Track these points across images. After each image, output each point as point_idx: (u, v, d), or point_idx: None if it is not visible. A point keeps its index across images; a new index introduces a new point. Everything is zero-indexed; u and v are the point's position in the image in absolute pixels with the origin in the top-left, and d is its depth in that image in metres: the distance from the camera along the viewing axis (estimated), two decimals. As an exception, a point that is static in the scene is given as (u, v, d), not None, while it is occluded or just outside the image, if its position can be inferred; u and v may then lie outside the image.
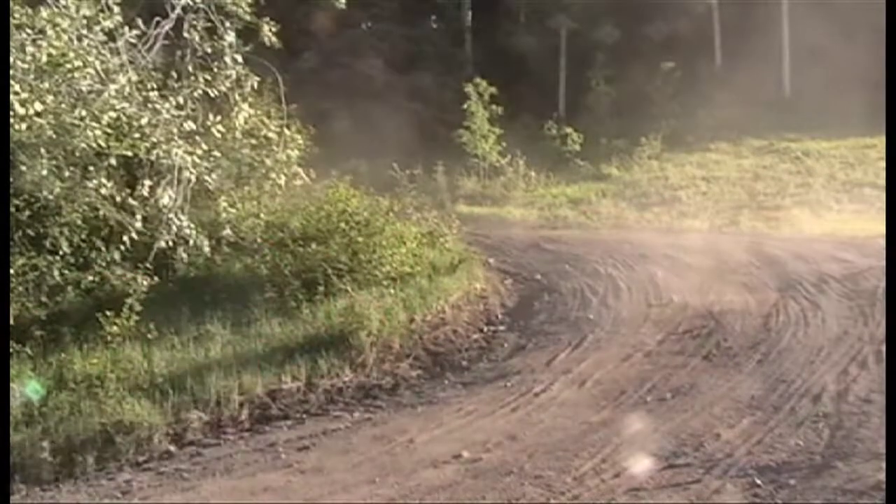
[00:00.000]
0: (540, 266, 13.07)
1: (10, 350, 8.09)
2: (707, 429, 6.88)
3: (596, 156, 20.69)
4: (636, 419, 7.19)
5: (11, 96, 7.84)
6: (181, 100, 9.56)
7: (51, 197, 8.96)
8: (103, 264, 9.71)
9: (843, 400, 7.33)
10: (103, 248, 9.79)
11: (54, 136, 8.54)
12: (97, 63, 8.78)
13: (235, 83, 10.14)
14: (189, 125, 9.55)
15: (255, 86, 10.51)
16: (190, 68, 10.01)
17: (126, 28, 9.27)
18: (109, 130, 8.91)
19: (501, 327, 10.52)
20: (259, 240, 10.95)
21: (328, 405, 8.34)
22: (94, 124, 8.61)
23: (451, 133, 20.27)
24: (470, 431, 7.21)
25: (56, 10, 8.56)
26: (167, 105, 9.29)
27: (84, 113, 8.60)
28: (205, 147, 9.79)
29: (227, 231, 10.54)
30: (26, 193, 8.92)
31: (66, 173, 9.02)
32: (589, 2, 23.63)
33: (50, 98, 8.38)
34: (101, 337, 8.98)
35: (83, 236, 9.73)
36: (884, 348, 8.21)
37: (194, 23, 9.86)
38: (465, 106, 19.91)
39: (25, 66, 8.18)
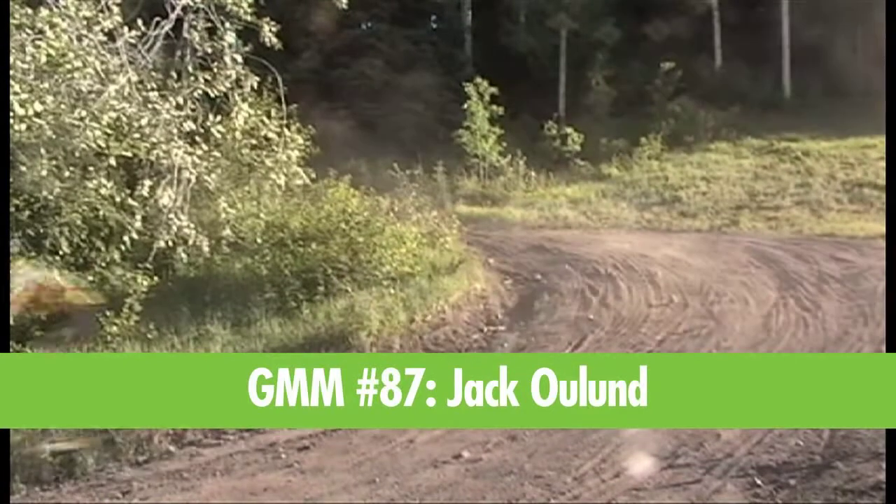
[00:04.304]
0: (540, 266, 13.06)
1: (10, 350, 8.10)
2: (707, 429, 6.87)
3: (596, 156, 20.66)
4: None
5: (11, 96, 7.84)
6: (181, 100, 9.54)
7: (51, 197, 8.96)
8: (103, 264, 9.73)
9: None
10: (103, 248, 9.81)
11: (54, 137, 8.54)
12: (97, 63, 8.76)
13: (235, 83, 10.13)
14: (189, 125, 9.54)
15: (255, 86, 10.49)
16: (190, 68, 10.01)
17: (126, 28, 9.26)
18: (109, 131, 8.90)
19: (501, 327, 10.52)
20: (259, 240, 10.96)
21: (328, 405, 8.33)
22: (93, 125, 8.61)
23: (451, 133, 20.25)
24: (470, 431, 7.19)
25: (56, 10, 8.55)
26: (167, 105, 9.27)
27: (84, 113, 8.59)
28: (205, 147, 9.79)
29: (227, 231, 10.52)
30: (26, 193, 8.94)
31: (66, 173, 9.03)
32: (589, 2, 23.62)
33: (49, 98, 8.37)
34: (100, 337, 8.98)
35: (83, 236, 9.75)
36: (883, 348, 8.20)
37: (194, 23, 9.85)
38: (465, 106, 19.87)
39: (25, 66, 8.18)
